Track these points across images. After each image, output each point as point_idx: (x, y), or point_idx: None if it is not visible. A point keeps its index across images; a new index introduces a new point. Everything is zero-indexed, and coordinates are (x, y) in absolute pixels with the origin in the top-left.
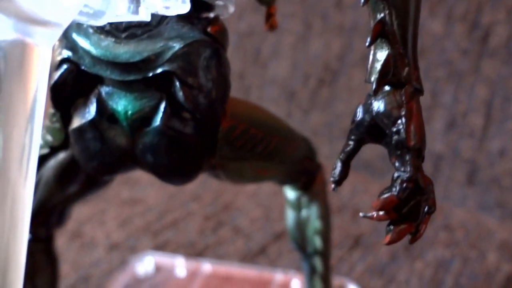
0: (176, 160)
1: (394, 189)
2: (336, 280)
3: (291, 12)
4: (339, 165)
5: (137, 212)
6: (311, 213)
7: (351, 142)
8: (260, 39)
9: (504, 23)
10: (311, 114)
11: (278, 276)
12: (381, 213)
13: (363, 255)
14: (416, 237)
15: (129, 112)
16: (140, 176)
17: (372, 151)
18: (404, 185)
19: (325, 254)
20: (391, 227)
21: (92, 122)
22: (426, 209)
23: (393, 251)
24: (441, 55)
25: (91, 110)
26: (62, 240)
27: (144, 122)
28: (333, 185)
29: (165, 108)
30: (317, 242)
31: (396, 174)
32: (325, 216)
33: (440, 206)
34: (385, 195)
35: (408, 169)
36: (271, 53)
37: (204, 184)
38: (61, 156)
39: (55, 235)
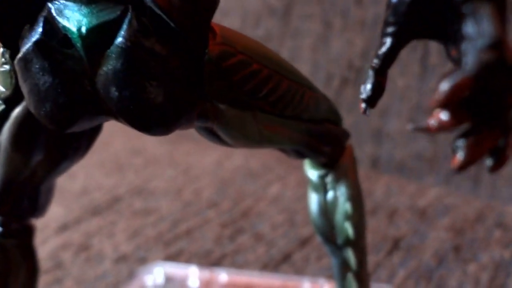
0: (148, 94)
1: (466, 66)
2: (376, 287)
3: (310, 13)
4: (371, 74)
5: (148, 223)
6: (339, 194)
7: (387, 39)
8: (278, 43)
9: None
10: None
11: (306, 285)
12: (443, 116)
13: (405, 259)
14: (501, 160)
15: (84, 29)
16: (155, 186)
17: (405, 151)
18: (485, 55)
19: (359, 245)
20: (462, 141)
21: (37, 45)
22: None
23: (440, 253)
24: None
25: (37, 31)
26: (67, 254)
27: (105, 43)
28: (363, 105)
29: (130, 20)
30: (349, 229)
31: (465, 46)
32: (357, 198)
33: (489, 205)
34: (451, 79)
35: (488, 29)
36: (291, 56)
37: (222, 191)
38: (17, 112)
39: (33, 228)
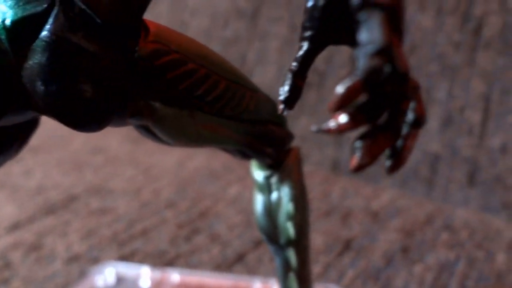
0: (75, 89)
1: (357, 70)
2: (321, 287)
3: (277, 16)
4: (289, 77)
5: (104, 222)
6: (283, 195)
7: (304, 44)
8: (246, 45)
9: (497, 13)
10: (299, 119)
11: (257, 285)
12: (342, 119)
13: (354, 260)
14: (398, 161)
15: (8, 21)
16: (114, 185)
17: None
18: (372, 60)
19: (300, 245)
20: (359, 142)
21: None
22: (412, 118)
23: (389, 254)
24: (433, 49)
25: None
26: (17, 254)
27: (31, 36)
28: (281, 106)
29: (56, 14)
30: (290, 230)
31: (358, 51)
32: (300, 198)
33: (439, 208)
34: (345, 82)
35: (377, 35)
36: (257, 59)
37: (181, 191)
38: None
39: None
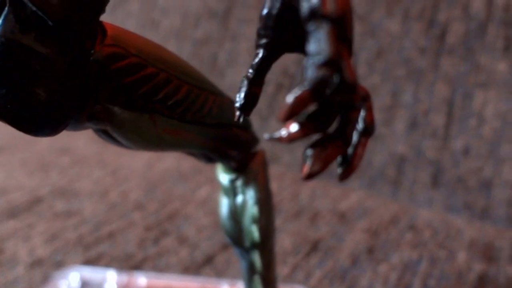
0: (27, 93)
1: (305, 81)
2: None
3: (248, 18)
4: (245, 83)
5: (69, 225)
6: (248, 198)
7: (259, 51)
8: (216, 46)
9: (460, 19)
10: (270, 121)
11: (224, 287)
12: (293, 129)
13: (322, 260)
14: (349, 168)
15: None
16: (80, 187)
17: None
18: (320, 71)
19: (265, 248)
20: (309, 151)
21: None
22: (362, 128)
23: (355, 254)
24: (399, 54)
25: None
26: None
27: None
28: (237, 113)
29: (6, 15)
30: (255, 233)
31: (306, 61)
32: (265, 202)
33: (404, 209)
34: (294, 92)
35: (325, 47)
36: (228, 60)
37: (150, 193)
38: None
39: None
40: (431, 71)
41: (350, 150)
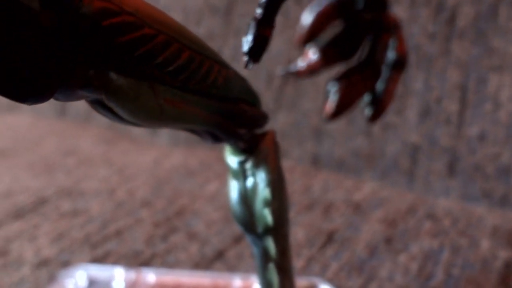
0: (9, 54)
1: None
2: (305, 281)
3: (251, 12)
4: (253, 25)
5: (76, 224)
6: (259, 180)
7: None
8: (220, 42)
9: (470, 2)
10: (278, 114)
11: (237, 282)
12: (312, 55)
13: (338, 252)
14: (380, 107)
15: None
16: (86, 186)
17: (344, 148)
18: None
19: (279, 233)
20: (333, 84)
21: None
22: (393, 58)
23: (373, 245)
24: (408, 40)
25: None
26: None
27: None
28: (244, 58)
29: None
30: (268, 217)
31: None
32: (277, 184)
33: (421, 198)
34: (313, 9)
35: None
36: (233, 55)
37: (157, 190)
38: None
39: None
40: (442, 57)
41: (380, 86)
